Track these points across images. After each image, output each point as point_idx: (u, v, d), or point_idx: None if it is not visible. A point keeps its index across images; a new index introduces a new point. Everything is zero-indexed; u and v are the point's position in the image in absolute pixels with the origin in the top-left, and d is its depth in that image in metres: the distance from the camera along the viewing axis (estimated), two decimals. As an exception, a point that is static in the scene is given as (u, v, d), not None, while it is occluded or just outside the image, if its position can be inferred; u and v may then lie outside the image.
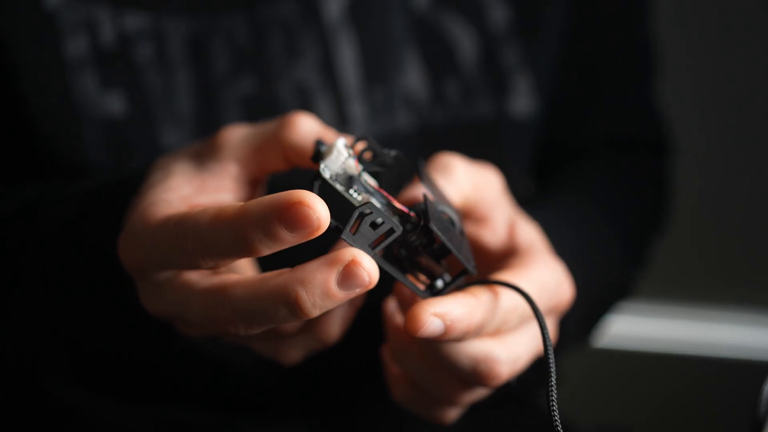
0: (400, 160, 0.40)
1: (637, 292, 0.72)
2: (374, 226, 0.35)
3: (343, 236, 0.35)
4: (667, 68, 0.82)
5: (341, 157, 0.37)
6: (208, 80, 0.59)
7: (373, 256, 0.36)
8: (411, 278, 0.40)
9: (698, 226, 1.14)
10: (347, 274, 0.34)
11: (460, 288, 0.41)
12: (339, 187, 0.36)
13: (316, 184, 0.35)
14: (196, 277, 0.38)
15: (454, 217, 0.40)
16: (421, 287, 0.40)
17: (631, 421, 1.17)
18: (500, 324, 0.42)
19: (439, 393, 0.44)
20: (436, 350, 0.42)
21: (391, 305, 0.46)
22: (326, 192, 0.36)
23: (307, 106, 0.60)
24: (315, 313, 0.35)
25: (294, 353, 0.44)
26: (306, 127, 0.40)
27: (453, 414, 0.46)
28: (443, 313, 0.38)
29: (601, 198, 0.68)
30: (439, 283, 0.41)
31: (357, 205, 0.36)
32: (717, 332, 1.18)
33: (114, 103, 0.57)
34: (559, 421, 0.37)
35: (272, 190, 0.45)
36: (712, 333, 1.18)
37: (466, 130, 0.64)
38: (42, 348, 0.54)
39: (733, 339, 1.17)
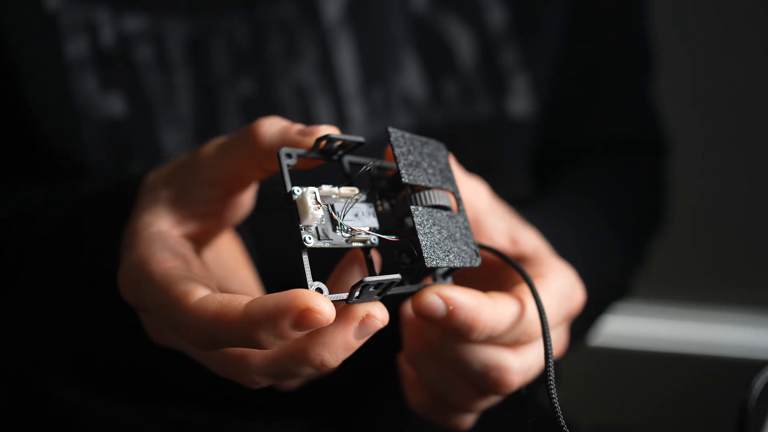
0: (378, 166, 0.40)
1: (636, 292, 0.72)
2: (375, 285, 0.36)
3: (349, 302, 0.36)
4: (665, 68, 0.82)
5: (316, 216, 0.36)
6: (208, 81, 0.59)
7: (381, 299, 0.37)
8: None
9: (697, 227, 1.14)
10: (363, 327, 0.36)
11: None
12: (327, 245, 0.37)
13: (304, 256, 0.36)
14: None
15: (445, 199, 0.40)
16: (430, 282, 0.41)
17: (630, 421, 1.17)
18: (521, 335, 0.42)
19: (453, 399, 0.45)
20: (450, 352, 0.42)
21: (408, 310, 0.46)
22: (316, 252, 0.37)
23: (307, 106, 0.60)
24: (338, 363, 0.36)
25: (293, 382, 0.45)
26: (271, 133, 0.40)
27: (468, 420, 0.47)
28: (448, 297, 0.39)
29: (600, 198, 0.68)
30: (440, 275, 0.41)
31: (350, 247, 0.38)
32: (716, 332, 1.18)
33: (114, 104, 0.57)
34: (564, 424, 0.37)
35: (263, 195, 0.45)
36: (711, 332, 1.18)
37: (464, 131, 0.64)
38: (42, 347, 0.54)
39: (731, 338, 1.17)
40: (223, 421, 0.63)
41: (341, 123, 0.61)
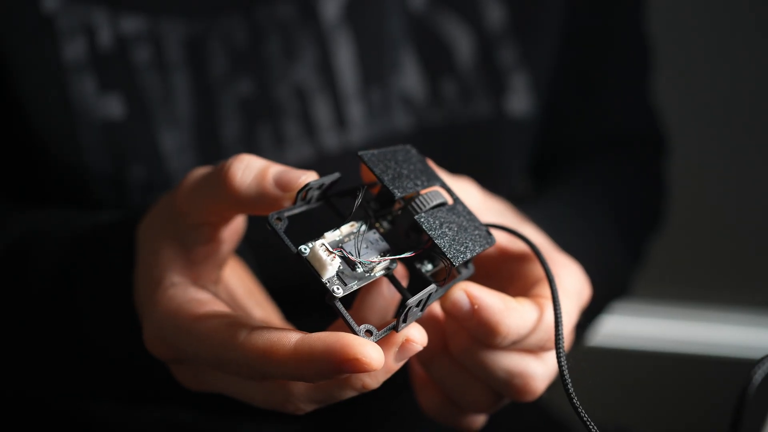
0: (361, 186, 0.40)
1: (636, 292, 0.72)
2: (417, 303, 0.36)
3: (399, 330, 0.36)
4: (663, 66, 0.82)
5: (334, 266, 0.36)
6: (207, 82, 0.58)
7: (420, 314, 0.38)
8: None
9: (697, 226, 1.14)
10: (404, 351, 0.37)
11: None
12: (355, 286, 0.37)
13: (339, 306, 0.36)
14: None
15: (439, 198, 0.40)
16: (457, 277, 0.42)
17: (630, 421, 1.17)
18: (547, 341, 0.42)
19: (468, 403, 0.44)
20: (472, 359, 0.42)
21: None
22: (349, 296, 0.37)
23: (305, 106, 0.60)
24: (379, 385, 0.37)
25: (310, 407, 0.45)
26: (246, 185, 0.39)
27: (479, 422, 0.47)
28: (474, 294, 0.40)
29: (599, 196, 0.68)
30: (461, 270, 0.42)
31: (376, 277, 0.38)
32: (716, 332, 1.18)
33: (112, 106, 0.57)
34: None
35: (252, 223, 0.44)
36: (711, 332, 1.18)
37: (463, 130, 0.64)
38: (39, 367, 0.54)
39: (731, 338, 1.17)
40: (222, 421, 0.63)
41: (340, 124, 0.61)
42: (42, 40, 0.56)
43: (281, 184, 0.38)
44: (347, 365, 0.34)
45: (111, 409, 0.62)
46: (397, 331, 0.36)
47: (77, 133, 0.57)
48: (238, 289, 0.46)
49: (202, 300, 0.40)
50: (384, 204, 0.41)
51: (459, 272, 0.42)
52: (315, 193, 0.39)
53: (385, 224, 0.41)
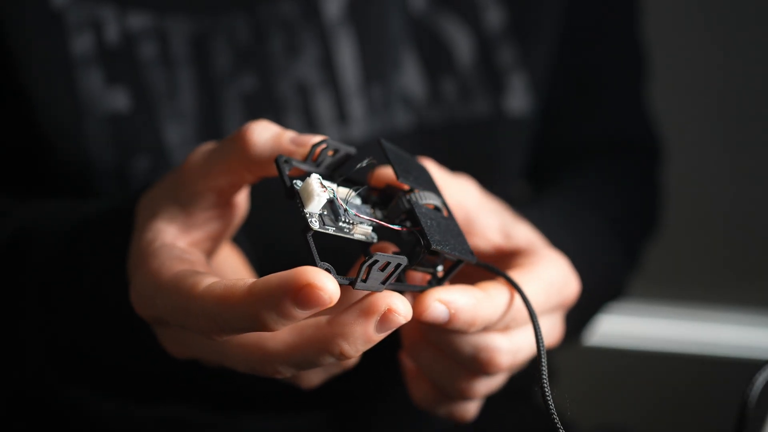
0: (370, 161, 0.41)
1: (637, 292, 0.72)
2: (382, 266, 0.35)
3: (357, 287, 0.35)
4: (658, 72, 0.82)
5: (322, 199, 0.36)
6: (210, 78, 0.59)
7: (387, 286, 0.37)
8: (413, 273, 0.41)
9: (698, 226, 1.14)
10: (385, 321, 0.35)
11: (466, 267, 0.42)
12: (331, 231, 0.37)
13: (309, 238, 0.35)
14: None
15: (438, 201, 0.41)
16: (426, 285, 0.42)
17: (630, 421, 1.17)
18: (510, 321, 0.43)
19: (454, 389, 0.45)
20: (441, 337, 0.43)
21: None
22: (321, 238, 0.36)
23: (307, 102, 0.61)
24: (358, 354, 0.36)
25: (315, 378, 0.44)
26: (262, 142, 0.39)
27: (471, 410, 0.47)
28: (448, 300, 0.39)
29: (595, 200, 0.68)
30: (439, 273, 0.42)
31: (352, 237, 0.37)
32: (716, 332, 1.18)
33: (118, 100, 0.58)
34: (558, 419, 0.38)
35: (256, 207, 0.45)
36: (711, 332, 1.19)
37: (462, 129, 0.65)
38: (38, 360, 0.54)
39: (731, 338, 1.17)
40: (224, 418, 0.64)
41: (341, 119, 0.62)
42: (51, 35, 0.56)
43: (297, 142, 0.39)
44: (301, 294, 0.33)
45: (111, 409, 0.62)
46: (354, 287, 0.35)
47: (83, 126, 0.58)
48: (234, 275, 0.46)
49: (186, 260, 0.39)
50: (384, 201, 0.42)
51: (431, 285, 0.42)
52: (327, 159, 0.40)
53: (379, 214, 0.41)
